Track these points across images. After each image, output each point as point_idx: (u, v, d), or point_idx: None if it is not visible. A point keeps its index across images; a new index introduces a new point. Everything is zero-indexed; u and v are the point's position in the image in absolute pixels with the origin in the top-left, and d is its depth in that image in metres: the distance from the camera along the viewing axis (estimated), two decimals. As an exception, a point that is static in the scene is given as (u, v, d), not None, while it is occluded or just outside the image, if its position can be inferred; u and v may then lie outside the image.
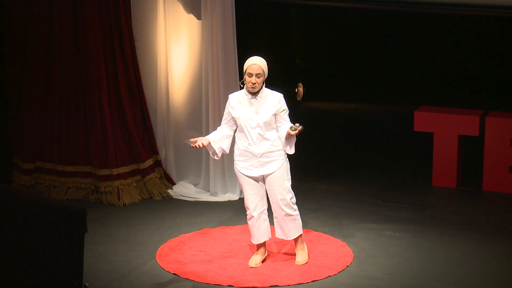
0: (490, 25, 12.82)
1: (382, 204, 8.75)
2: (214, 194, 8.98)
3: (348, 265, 7.15)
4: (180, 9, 8.95)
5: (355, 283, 6.82)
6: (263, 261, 7.22)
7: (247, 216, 7.19)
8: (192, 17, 8.97)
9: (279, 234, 7.26)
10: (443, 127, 9.25)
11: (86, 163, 8.95)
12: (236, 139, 7.12)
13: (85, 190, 8.98)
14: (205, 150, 8.97)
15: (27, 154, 9.06)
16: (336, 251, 7.43)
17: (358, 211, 8.54)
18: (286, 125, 7.01)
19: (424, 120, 9.34)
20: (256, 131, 6.97)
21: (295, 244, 7.30)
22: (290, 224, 7.17)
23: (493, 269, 7.09)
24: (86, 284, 5.88)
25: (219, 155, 7.11)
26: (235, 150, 7.15)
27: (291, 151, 7.08)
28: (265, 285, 6.78)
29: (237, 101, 7.02)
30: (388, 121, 12.29)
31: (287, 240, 7.45)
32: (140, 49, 9.03)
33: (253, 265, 7.15)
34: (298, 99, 12.94)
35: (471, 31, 13.01)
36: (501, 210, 8.59)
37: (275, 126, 7.04)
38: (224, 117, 7.13)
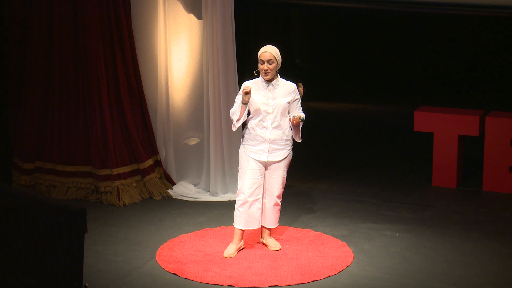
0: (490, 25, 12.83)
1: (382, 204, 8.75)
2: (214, 194, 8.97)
3: (348, 265, 7.15)
4: (180, 9, 8.95)
5: (355, 283, 6.81)
6: (238, 251, 7.33)
7: (239, 202, 7.27)
8: (192, 17, 8.97)
9: (262, 222, 7.44)
10: (443, 127, 9.25)
11: (86, 163, 8.94)
12: (249, 124, 7.24)
13: (85, 190, 8.97)
14: (206, 150, 8.98)
15: (27, 154, 9.06)
16: (336, 251, 7.43)
17: (358, 211, 8.54)
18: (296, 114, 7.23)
19: (424, 120, 9.34)
20: (272, 117, 7.13)
21: (269, 234, 7.50)
22: (276, 213, 7.44)
23: (493, 269, 7.08)
24: (86, 284, 5.87)
25: (242, 121, 7.14)
26: (245, 135, 7.27)
27: (297, 139, 7.28)
28: (265, 285, 6.78)
29: (254, 86, 7.15)
30: (388, 121, 12.28)
31: (282, 238, 7.53)
32: (140, 49, 9.03)
33: (227, 256, 7.26)
34: (298, 99, 12.93)
35: (471, 31, 13.01)
36: (501, 210, 8.58)
37: (287, 115, 7.21)
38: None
